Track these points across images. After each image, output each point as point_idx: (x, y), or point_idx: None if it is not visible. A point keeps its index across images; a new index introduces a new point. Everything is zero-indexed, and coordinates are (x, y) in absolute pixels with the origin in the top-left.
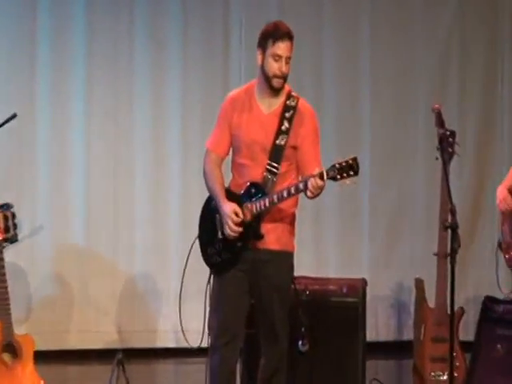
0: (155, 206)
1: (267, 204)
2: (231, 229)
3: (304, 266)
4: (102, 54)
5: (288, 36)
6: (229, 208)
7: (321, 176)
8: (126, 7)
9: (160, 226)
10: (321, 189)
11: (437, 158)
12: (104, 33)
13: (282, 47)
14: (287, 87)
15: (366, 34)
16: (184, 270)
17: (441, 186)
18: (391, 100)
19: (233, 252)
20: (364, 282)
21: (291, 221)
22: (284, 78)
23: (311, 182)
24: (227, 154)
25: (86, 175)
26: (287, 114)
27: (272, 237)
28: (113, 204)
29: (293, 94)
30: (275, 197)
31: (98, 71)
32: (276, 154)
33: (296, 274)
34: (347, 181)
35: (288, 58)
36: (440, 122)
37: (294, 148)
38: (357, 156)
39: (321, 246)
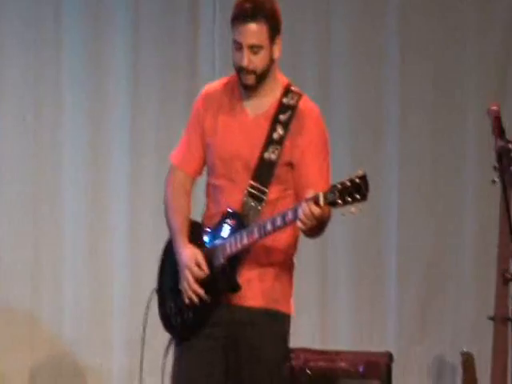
0: (93, 253)
1: (245, 241)
2: (190, 287)
3: (304, 335)
4: None
5: (250, 16)
6: (188, 256)
7: (316, 200)
8: None
9: (100, 278)
10: (317, 219)
11: (493, 182)
12: None
13: (242, 32)
14: (284, 80)
15: (393, 17)
16: (143, 338)
17: (499, 222)
18: (427, 105)
19: (199, 311)
20: (389, 357)
21: (286, 268)
22: (253, 72)
23: (302, 208)
24: (200, 172)
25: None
26: (282, 117)
27: (255, 289)
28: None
29: (292, 88)
30: (256, 230)
31: None
32: (262, 172)
33: (293, 344)
34: (352, 207)
35: (252, 47)
36: (498, 130)
37: (290, 165)
38: (365, 172)
39: (328, 307)
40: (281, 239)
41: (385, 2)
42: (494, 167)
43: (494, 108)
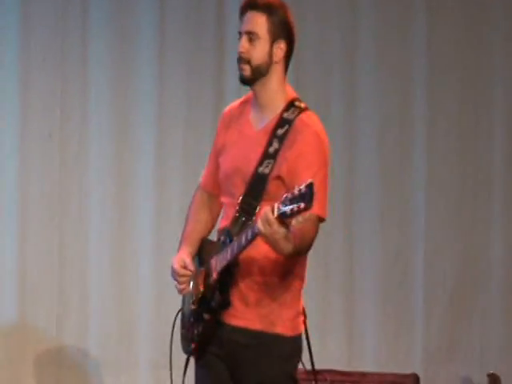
0: (119, 271)
1: (228, 256)
2: (176, 286)
3: (330, 356)
4: None
5: (251, 5)
6: (176, 259)
7: (272, 210)
8: None
9: (126, 296)
10: (272, 229)
11: None
12: None
13: (242, 21)
14: (291, 94)
15: (420, 30)
16: (170, 359)
17: None
18: (454, 120)
19: (202, 328)
20: (415, 379)
21: (286, 290)
22: (248, 62)
23: (261, 214)
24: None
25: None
26: (279, 131)
27: (252, 311)
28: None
29: (296, 103)
30: (236, 244)
31: None
32: (256, 186)
33: (319, 365)
34: (299, 217)
35: (249, 34)
36: None
37: (280, 179)
38: (313, 181)
39: (354, 328)
40: (273, 260)
41: (411, 16)
42: None
43: None
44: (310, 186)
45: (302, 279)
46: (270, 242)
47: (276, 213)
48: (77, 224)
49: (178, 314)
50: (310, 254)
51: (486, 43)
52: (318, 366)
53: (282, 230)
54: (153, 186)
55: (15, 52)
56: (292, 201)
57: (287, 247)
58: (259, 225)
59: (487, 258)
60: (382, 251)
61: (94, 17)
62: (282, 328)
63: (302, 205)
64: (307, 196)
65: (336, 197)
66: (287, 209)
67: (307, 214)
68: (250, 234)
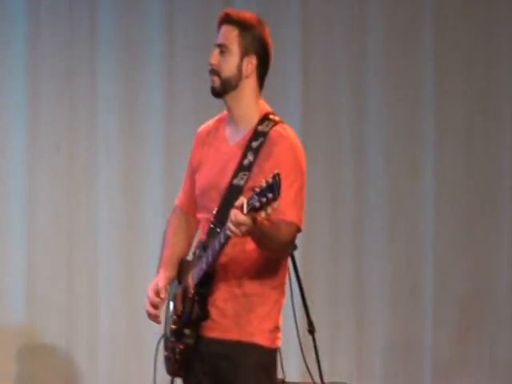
0: (129, 288)
1: (204, 266)
2: (147, 310)
3: (342, 372)
4: None
5: (224, 20)
6: (151, 284)
7: (241, 207)
8: None
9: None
10: (246, 227)
11: None
12: None
13: (218, 34)
14: (266, 109)
15: (428, 43)
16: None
17: None
18: (463, 136)
19: (184, 345)
20: None
21: (266, 297)
22: (217, 73)
23: (230, 215)
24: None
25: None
26: (254, 144)
27: (230, 322)
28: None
29: (270, 116)
30: (209, 252)
31: None
32: (230, 198)
33: (327, 379)
34: (268, 209)
35: (220, 46)
36: None
37: None
38: (279, 172)
39: (363, 341)
40: (251, 271)
41: (420, 31)
42: None
43: None
44: (276, 176)
45: (282, 292)
46: (243, 236)
47: (246, 209)
48: (86, 237)
49: (160, 341)
50: (319, 266)
51: (496, 59)
52: (327, 380)
53: (250, 222)
54: (162, 199)
55: (23, 66)
56: (260, 194)
57: (258, 232)
58: (230, 226)
59: (496, 271)
60: (391, 265)
61: (102, 31)
62: (261, 338)
63: (271, 195)
64: (275, 186)
65: (345, 210)
66: (256, 202)
67: (276, 204)
68: (222, 237)
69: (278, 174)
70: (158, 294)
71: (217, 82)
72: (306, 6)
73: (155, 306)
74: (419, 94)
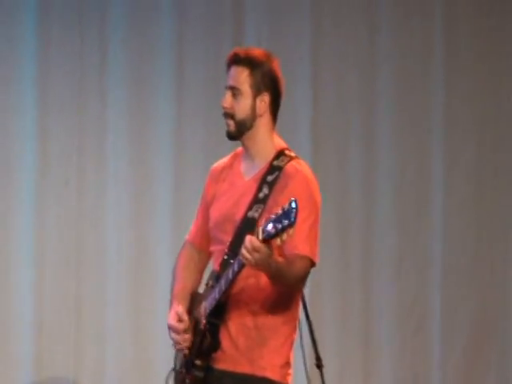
0: (136, 315)
1: (217, 295)
2: (175, 340)
3: None
4: None
5: (234, 60)
6: (171, 315)
7: (257, 235)
8: None
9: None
10: (261, 255)
11: None
12: None
13: (228, 76)
14: (281, 145)
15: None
16: None
17: None
18: (472, 163)
19: (192, 376)
20: None
21: (278, 331)
22: (231, 116)
23: (245, 241)
24: (209, 245)
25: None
26: (269, 178)
27: (242, 354)
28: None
29: (286, 152)
30: (223, 282)
31: None
32: (245, 230)
33: None
34: (284, 235)
35: (232, 89)
36: None
37: None
38: (295, 199)
39: (370, 375)
40: (264, 303)
41: (430, 63)
42: None
43: None
44: (292, 203)
45: (293, 328)
46: (258, 267)
47: (261, 235)
48: (94, 272)
49: (169, 374)
50: (328, 299)
51: (505, 91)
52: None
53: (266, 250)
54: (170, 233)
55: (33, 98)
56: (276, 221)
57: (274, 265)
58: (244, 253)
59: (504, 306)
60: (398, 299)
61: (112, 62)
62: (272, 373)
63: (286, 221)
64: (291, 213)
65: (353, 243)
66: (271, 229)
67: (290, 231)
68: (236, 265)
69: (295, 201)
70: (180, 319)
71: (232, 125)
72: (316, 39)
73: (182, 331)
74: (428, 129)
